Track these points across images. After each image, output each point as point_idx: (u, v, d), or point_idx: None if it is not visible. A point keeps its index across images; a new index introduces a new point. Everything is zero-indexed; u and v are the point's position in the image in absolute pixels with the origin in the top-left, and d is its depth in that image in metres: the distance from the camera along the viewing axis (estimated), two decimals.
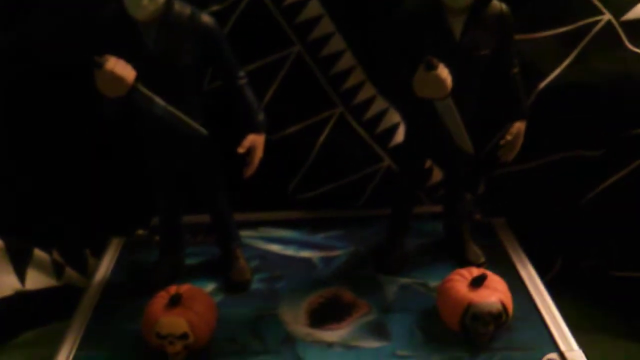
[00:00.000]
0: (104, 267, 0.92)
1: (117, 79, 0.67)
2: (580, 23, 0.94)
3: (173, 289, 0.75)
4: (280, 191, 1.02)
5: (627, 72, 0.91)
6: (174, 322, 0.72)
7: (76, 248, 1.03)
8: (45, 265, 0.97)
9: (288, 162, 1.00)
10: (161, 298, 0.75)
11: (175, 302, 0.73)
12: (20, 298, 0.93)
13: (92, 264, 1.00)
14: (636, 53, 0.93)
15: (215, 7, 0.95)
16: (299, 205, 1.03)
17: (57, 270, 0.99)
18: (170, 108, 0.72)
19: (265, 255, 0.93)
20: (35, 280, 0.95)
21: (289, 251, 0.94)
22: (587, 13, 0.94)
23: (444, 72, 0.68)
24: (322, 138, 0.99)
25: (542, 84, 0.93)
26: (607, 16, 0.94)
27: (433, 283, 0.84)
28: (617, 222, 0.95)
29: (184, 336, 0.71)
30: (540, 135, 0.92)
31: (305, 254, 0.93)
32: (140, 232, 0.98)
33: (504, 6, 0.74)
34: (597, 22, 0.94)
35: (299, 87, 0.97)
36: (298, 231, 0.98)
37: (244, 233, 0.94)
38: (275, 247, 0.95)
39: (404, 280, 0.86)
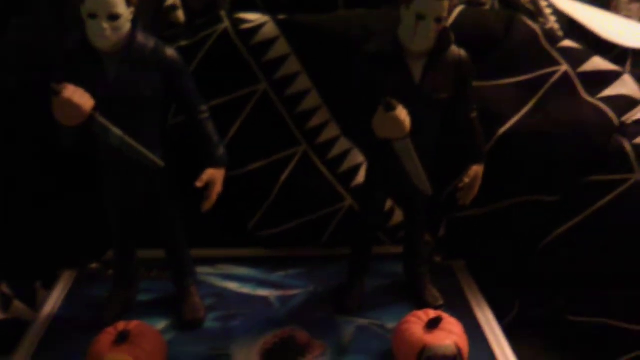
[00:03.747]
0: (53, 300, 0.89)
1: (75, 108, 0.66)
2: (539, 72, 0.97)
3: (121, 325, 0.73)
4: (240, 228, 1.01)
5: (582, 121, 0.94)
6: None
7: (26, 280, 0.99)
8: None
9: (250, 199, 0.99)
10: (108, 334, 0.73)
11: (122, 338, 0.71)
12: None
13: (42, 296, 0.97)
14: (590, 103, 0.96)
15: (183, 42, 0.96)
16: (259, 243, 1.02)
17: (4, 302, 0.95)
18: (128, 139, 0.71)
19: (222, 293, 0.91)
20: None
21: (246, 289, 0.92)
22: (546, 63, 0.97)
23: (402, 113, 0.69)
24: (285, 175, 0.99)
25: (502, 130, 0.95)
26: (564, 67, 0.97)
27: (390, 324, 0.83)
28: (574, 266, 0.96)
29: None
30: (500, 180, 0.94)
31: (262, 292, 0.91)
32: (94, 265, 0.96)
33: (462, 52, 0.76)
34: (555, 72, 0.97)
35: (264, 124, 0.97)
36: (257, 269, 0.97)
37: (201, 269, 0.92)
38: (232, 285, 0.93)
39: (362, 321, 0.85)
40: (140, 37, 0.72)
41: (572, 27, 1.36)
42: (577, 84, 0.97)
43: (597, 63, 0.99)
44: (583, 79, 0.97)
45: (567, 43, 0.99)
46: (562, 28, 1.24)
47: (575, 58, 0.98)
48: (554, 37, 1.00)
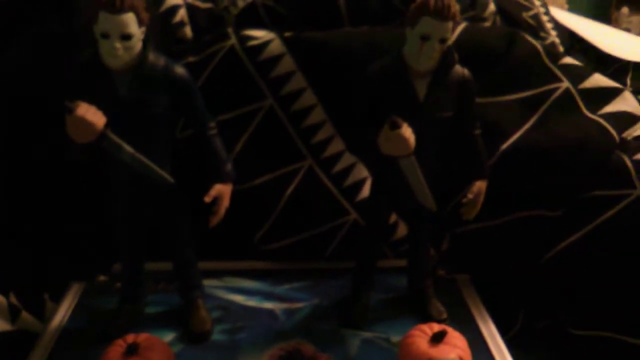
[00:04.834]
0: (62, 313, 0.90)
1: (87, 125, 0.68)
2: (541, 89, 0.99)
3: (130, 338, 0.74)
4: (246, 241, 1.02)
5: (584, 137, 0.96)
6: None
7: (35, 292, 1.00)
8: (1, 309, 0.94)
9: (255, 212, 1.01)
10: (118, 347, 0.73)
11: (131, 351, 0.72)
12: None
13: (50, 308, 0.98)
14: (592, 119, 0.98)
15: (191, 59, 0.97)
16: (264, 256, 1.03)
17: (12, 314, 0.96)
18: (138, 155, 0.73)
19: (228, 306, 0.92)
20: None
21: (252, 302, 0.93)
22: (547, 80, 0.99)
23: (407, 131, 0.71)
24: (290, 189, 1.00)
25: (504, 146, 0.96)
26: (565, 84, 0.99)
27: (395, 338, 0.84)
28: (576, 280, 0.97)
29: None
30: (503, 195, 0.95)
31: (268, 305, 0.92)
32: (102, 278, 0.97)
33: (466, 71, 0.78)
34: (556, 88, 0.99)
35: (270, 139, 0.99)
36: (262, 282, 0.98)
37: (208, 282, 0.93)
38: (238, 298, 0.94)
39: (367, 334, 0.86)
40: (152, 56, 0.73)
41: (573, 41, 1.38)
42: (579, 100, 0.98)
43: (598, 80, 1.00)
44: (584, 95, 0.99)
45: (568, 60, 1.01)
46: (563, 42, 1.26)
47: (576, 75, 1.00)
48: (555, 54, 1.02)
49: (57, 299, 0.94)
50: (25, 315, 0.97)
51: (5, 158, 0.96)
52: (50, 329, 0.86)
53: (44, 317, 0.98)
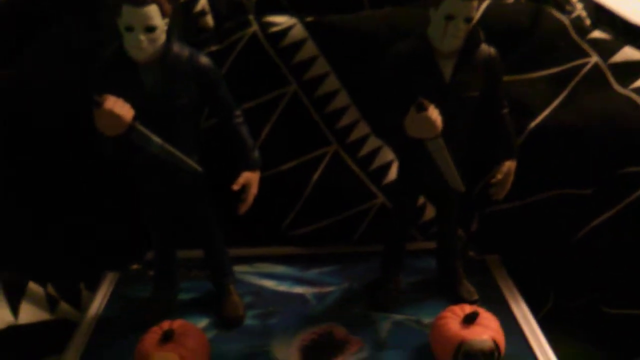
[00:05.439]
0: (98, 302, 0.92)
1: (116, 118, 0.69)
2: (569, 65, 0.96)
3: (166, 325, 0.76)
4: (274, 227, 1.03)
5: (615, 113, 0.94)
6: (166, 358, 0.72)
7: (71, 282, 1.03)
8: (39, 299, 0.97)
9: (283, 198, 1.01)
10: (154, 334, 0.75)
11: (167, 337, 0.74)
12: (13, 332, 0.92)
13: (86, 298, 1.00)
14: (623, 94, 0.95)
15: (214, 47, 0.97)
16: (293, 241, 1.04)
17: (51, 304, 0.98)
18: (167, 146, 0.73)
19: (259, 291, 0.93)
20: (29, 314, 0.95)
21: (283, 287, 0.94)
22: (575, 55, 0.97)
23: (434, 113, 0.70)
24: (316, 175, 1.00)
25: (533, 124, 0.95)
26: (594, 58, 0.96)
27: (426, 320, 0.85)
28: (608, 259, 0.96)
29: None
30: (532, 174, 0.94)
31: (298, 289, 0.93)
32: (135, 266, 0.99)
33: (492, 50, 0.76)
34: (585, 64, 0.96)
35: (295, 124, 0.99)
36: (292, 267, 0.99)
37: (238, 268, 0.95)
38: (269, 283, 0.95)
39: (398, 316, 0.87)
40: (176, 47, 0.74)
41: (600, 13, 1.34)
42: (609, 75, 0.96)
43: (628, 53, 0.97)
44: (614, 70, 0.96)
45: (597, 34, 0.99)
46: (589, 15, 1.23)
47: (605, 49, 0.97)
48: (582, 28, 0.99)
49: (93, 288, 0.96)
50: (63, 304, 1.00)
51: (37, 153, 0.98)
52: (87, 317, 0.89)
53: (80, 306, 1.01)
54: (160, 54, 0.73)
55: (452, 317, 0.77)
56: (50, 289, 1.00)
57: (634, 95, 0.95)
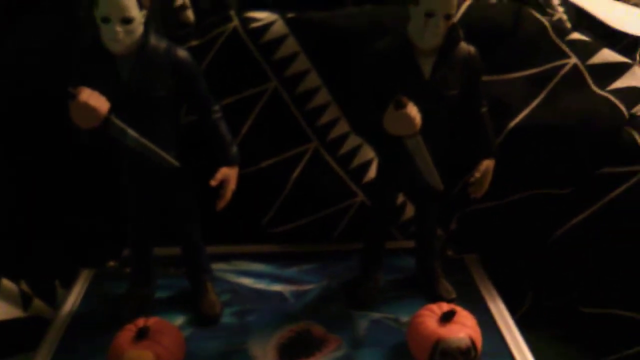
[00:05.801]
0: (73, 299, 0.91)
1: (91, 111, 0.67)
2: (548, 65, 0.97)
3: (140, 322, 0.75)
4: (254, 224, 1.02)
5: (593, 113, 0.95)
6: (141, 356, 0.71)
7: (45, 279, 1.01)
8: (13, 296, 0.95)
9: (262, 196, 1.00)
10: (128, 331, 0.74)
11: (142, 335, 0.73)
12: None
13: (61, 295, 0.99)
14: (601, 95, 0.96)
15: (194, 42, 0.96)
16: (272, 239, 1.03)
17: (24, 301, 0.97)
18: (143, 140, 0.72)
19: (237, 289, 0.92)
20: (2, 311, 0.93)
21: (261, 285, 0.93)
22: (554, 56, 0.97)
23: (413, 110, 0.70)
24: (296, 172, 1.00)
25: (512, 123, 0.95)
26: (573, 60, 0.97)
27: (404, 318, 0.84)
28: (585, 258, 0.97)
29: None
30: (511, 173, 0.94)
31: (277, 287, 0.93)
32: (111, 263, 0.98)
33: (472, 48, 0.77)
34: (564, 65, 0.97)
35: (275, 121, 0.98)
36: (270, 265, 0.98)
37: (216, 266, 0.94)
38: (246, 281, 0.94)
39: (376, 315, 0.86)
40: (153, 40, 0.73)
41: (581, 17, 1.36)
42: (587, 76, 0.97)
43: (607, 55, 0.98)
44: (592, 71, 0.97)
45: (576, 35, 0.99)
46: (570, 18, 1.24)
47: (584, 50, 0.98)
48: (562, 30, 1.00)
49: (68, 285, 0.95)
50: (37, 301, 0.99)
51: (11, 147, 0.97)
52: (61, 314, 0.87)
53: (55, 303, 0.99)
54: (137, 46, 0.72)
55: (430, 315, 0.77)
56: (24, 286, 0.98)
57: (611, 97, 0.96)
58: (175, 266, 0.94)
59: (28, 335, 0.90)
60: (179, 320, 0.85)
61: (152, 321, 0.75)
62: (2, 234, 0.99)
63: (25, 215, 1.00)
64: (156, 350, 0.71)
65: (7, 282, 0.94)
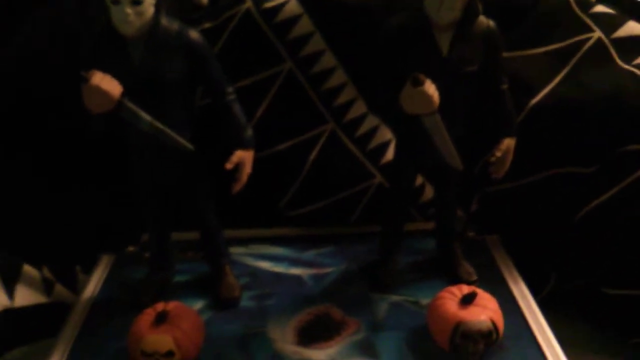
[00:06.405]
0: (93, 284, 0.91)
1: (103, 94, 0.67)
2: (571, 40, 0.94)
3: (160, 306, 0.75)
4: (271, 208, 1.02)
5: (618, 89, 0.91)
6: (160, 340, 0.71)
7: (67, 264, 1.02)
8: (35, 282, 0.97)
9: (279, 179, 1.00)
10: (148, 315, 0.74)
11: (161, 319, 0.73)
12: (9, 315, 0.92)
13: (82, 280, 1.00)
14: (627, 70, 0.93)
15: (207, 25, 0.95)
16: (290, 222, 1.02)
17: (46, 286, 0.98)
18: (157, 123, 0.72)
19: (255, 273, 0.92)
20: (25, 296, 0.94)
21: (279, 268, 0.93)
22: (577, 30, 0.94)
23: (430, 87, 0.68)
24: (313, 155, 0.99)
25: (533, 101, 0.93)
26: (597, 33, 0.94)
27: (424, 300, 0.83)
28: (609, 238, 0.94)
29: (170, 354, 0.71)
30: (533, 152, 0.92)
31: (295, 271, 0.92)
32: (131, 248, 0.98)
33: (491, 22, 0.74)
34: (587, 39, 0.94)
35: (291, 103, 0.97)
36: (289, 248, 0.98)
37: (234, 250, 0.94)
38: (265, 264, 0.94)
39: (395, 297, 0.86)
40: (164, 21, 0.72)
41: None
42: (612, 50, 0.94)
43: (632, 28, 0.95)
44: (618, 45, 0.94)
45: (600, 8, 0.96)
46: None
47: (608, 23, 0.95)
48: (585, 3, 0.97)
49: (89, 271, 0.96)
50: (58, 287, 1.00)
51: (28, 134, 0.97)
52: (82, 300, 0.88)
53: (76, 288, 1.01)
54: (148, 28, 0.71)
55: (450, 298, 0.75)
56: (46, 272, 0.99)
57: (638, 71, 0.93)
58: (193, 250, 0.95)
59: (51, 320, 0.91)
60: (199, 304, 0.85)
61: (172, 305, 0.75)
62: (23, 221, 1.00)
63: (46, 202, 1.01)
64: (175, 335, 0.72)
65: (29, 268, 0.96)
